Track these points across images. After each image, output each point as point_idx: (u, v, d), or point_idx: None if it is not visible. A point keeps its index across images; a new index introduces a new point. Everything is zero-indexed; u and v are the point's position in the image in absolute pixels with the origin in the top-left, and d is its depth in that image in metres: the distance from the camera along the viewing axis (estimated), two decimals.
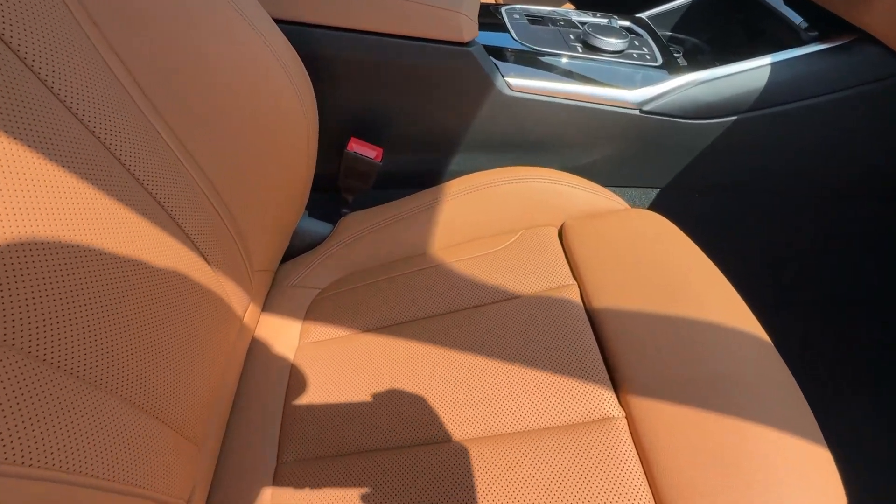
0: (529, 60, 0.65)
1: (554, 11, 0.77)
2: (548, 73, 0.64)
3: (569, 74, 0.65)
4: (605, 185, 0.77)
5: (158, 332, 0.36)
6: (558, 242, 0.63)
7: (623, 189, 0.77)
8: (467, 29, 0.57)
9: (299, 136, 0.53)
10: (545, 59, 0.65)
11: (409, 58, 0.58)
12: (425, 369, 0.51)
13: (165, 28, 0.40)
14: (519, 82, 0.63)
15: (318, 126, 0.55)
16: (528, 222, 0.66)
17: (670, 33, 0.86)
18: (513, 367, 0.49)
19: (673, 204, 0.78)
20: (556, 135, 0.68)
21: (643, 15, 0.84)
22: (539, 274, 0.59)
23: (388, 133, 0.67)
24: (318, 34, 0.56)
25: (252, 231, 0.54)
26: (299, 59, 0.51)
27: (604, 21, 0.77)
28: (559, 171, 0.66)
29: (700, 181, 0.74)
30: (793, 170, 0.71)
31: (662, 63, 0.67)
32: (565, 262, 0.61)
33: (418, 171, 0.73)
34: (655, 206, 0.78)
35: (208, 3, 0.43)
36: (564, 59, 0.65)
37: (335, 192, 0.70)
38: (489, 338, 0.52)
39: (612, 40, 0.66)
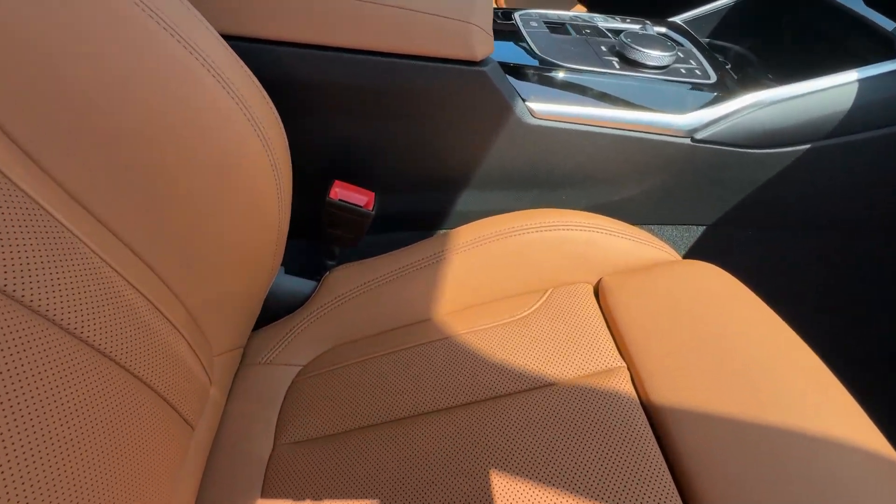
0: (555, 80, 0.52)
1: (576, 17, 0.65)
2: (578, 94, 0.52)
3: (604, 96, 0.52)
4: (639, 223, 0.65)
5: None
6: (596, 305, 0.51)
7: (660, 227, 0.65)
8: (480, 44, 0.45)
9: (267, 189, 0.40)
10: (574, 77, 0.53)
11: (406, 81, 0.46)
12: (440, 489, 0.39)
13: (54, 53, 0.27)
14: (543, 107, 0.51)
15: (291, 173, 0.43)
16: (557, 279, 0.54)
17: (708, 40, 0.74)
18: (555, 492, 0.37)
19: (720, 243, 0.66)
20: (586, 169, 0.55)
21: (678, 19, 0.72)
22: (577, 351, 0.47)
23: (381, 171, 0.54)
24: (289, 54, 0.43)
25: (207, 310, 0.42)
26: (263, 92, 0.38)
27: (637, 27, 0.65)
28: (592, 215, 0.54)
29: (756, 218, 0.62)
30: (866, 202, 0.60)
31: (717, 80, 0.55)
32: (608, 333, 0.49)
33: (420, 211, 0.60)
34: (699, 246, 0.66)
35: (127, 25, 0.30)
36: (598, 78, 0.53)
37: (318, 239, 0.58)
38: (522, 447, 0.40)
39: (656, 53, 0.53)
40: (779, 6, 0.71)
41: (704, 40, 0.73)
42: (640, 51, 0.53)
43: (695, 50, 0.61)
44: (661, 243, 0.54)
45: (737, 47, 0.71)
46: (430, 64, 0.45)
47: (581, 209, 0.63)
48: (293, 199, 0.48)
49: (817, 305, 0.72)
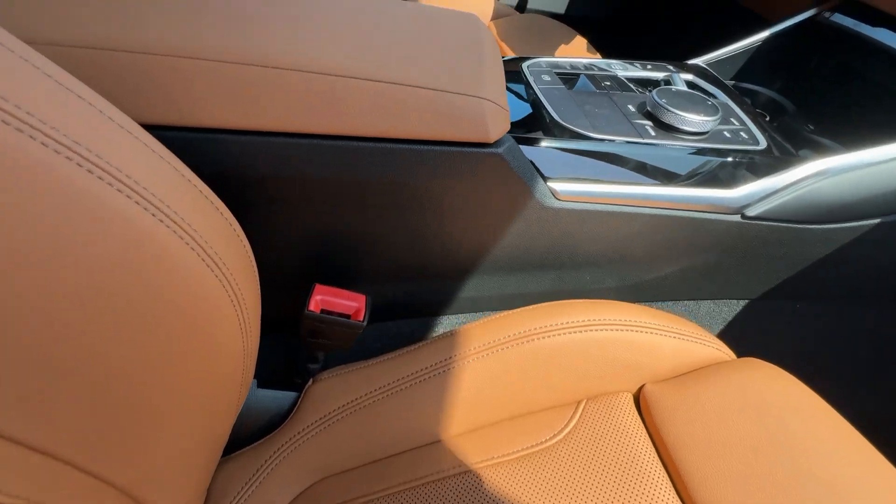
0: (581, 152, 0.44)
1: (592, 66, 0.57)
2: (609, 167, 0.43)
3: (639, 169, 0.44)
4: (673, 299, 0.57)
5: None
6: (640, 423, 0.42)
7: (697, 302, 0.57)
8: (495, 122, 0.36)
9: (226, 323, 0.31)
10: (604, 147, 0.44)
11: (404, 170, 0.37)
12: None
13: None
14: (568, 188, 0.42)
15: (259, 300, 0.34)
16: (590, 388, 0.45)
17: (733, 82, 0.67)
18: None
19: (763, 316, 0.57)
20: (617, 250, 0.47)
21: (700, 62, 0.65)
22: (626, 494, 0.38)
23: (373, 264, 0.45)
24: (256, 144, 0.34)
25: (149, 481, 0.32)
26: (213, 197, 0.29)
27: (661, 75, 0.57)
28: (628, 306, 0.45)
29: (808, 292, 0.54)
30: None
31: (767, 147, 0.47)
32: (660, 464, 0.40)
33: (421, 300, 0.51)
34: (739, 321, 0.58)
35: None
36: (631, 148, 0.44)
37: (297, 336, 0.48)
38: None
39: (699, 118, 0.45)
40: (811, 47, 0.63)
41: (729, 82, 0.65)
42: (679, 115, 0.45)
43: (732, 104, 0.53)
44: (712, 338, 0.45)
45: (766, 91, 0.64)
46: (435, 148, 0.36)
47: (609, 289, 0.54)
48: (265, 296, 0.38)
49: (866, 379, 0.64)
